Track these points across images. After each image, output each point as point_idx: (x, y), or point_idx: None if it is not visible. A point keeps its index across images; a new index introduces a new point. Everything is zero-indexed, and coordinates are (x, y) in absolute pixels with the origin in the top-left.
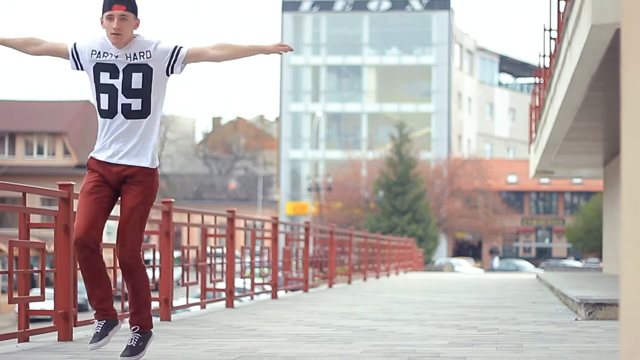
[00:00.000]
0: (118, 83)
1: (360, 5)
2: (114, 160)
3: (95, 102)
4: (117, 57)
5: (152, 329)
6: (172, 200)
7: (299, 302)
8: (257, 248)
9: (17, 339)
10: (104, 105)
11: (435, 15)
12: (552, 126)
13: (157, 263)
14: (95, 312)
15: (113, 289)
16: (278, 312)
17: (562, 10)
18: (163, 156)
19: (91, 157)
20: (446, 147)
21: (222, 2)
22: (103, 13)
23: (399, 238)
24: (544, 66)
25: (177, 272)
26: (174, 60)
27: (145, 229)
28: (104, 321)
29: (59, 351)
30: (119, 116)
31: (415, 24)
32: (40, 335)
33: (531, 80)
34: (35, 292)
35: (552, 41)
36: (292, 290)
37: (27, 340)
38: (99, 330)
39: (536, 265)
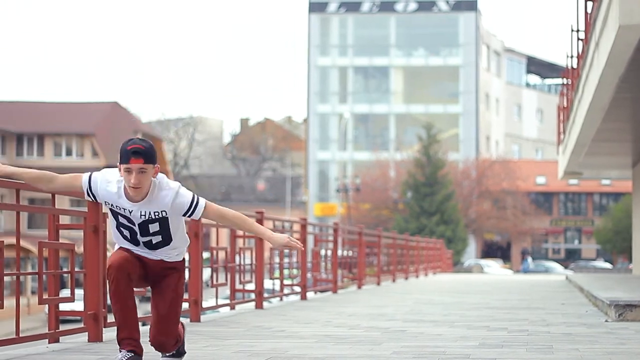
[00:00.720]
0: (136, 227)
1: (387, 7)
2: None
3: (113, 222)
4: (131, 212)
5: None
6: None
7: (328, 303)
8: (286, 249)
9: (47, 340)
10: (126, 235)
11: (462, 16)
12: (580, 127)
13: (187, 264)
14: (123, 344)
15: (142, 289)
16: (307, 313)
17: (589, 11)
18: (191, 157)
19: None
20: (474, 148)
21: (249, 3)
22: (120, 164)
23: (427, 239)
24: (572, 67)
25: (207, 273)
26: (190, 213)
27: None
28: (132, 354)
29: (89, 352)
30: (142, 247)
31: (442, 25)
32: (70, 336)
33: (559, 81)
34: (65, 293)
35: (580, 42)
36: (321, 291)
37: (57, 341)
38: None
39: (565, 267)
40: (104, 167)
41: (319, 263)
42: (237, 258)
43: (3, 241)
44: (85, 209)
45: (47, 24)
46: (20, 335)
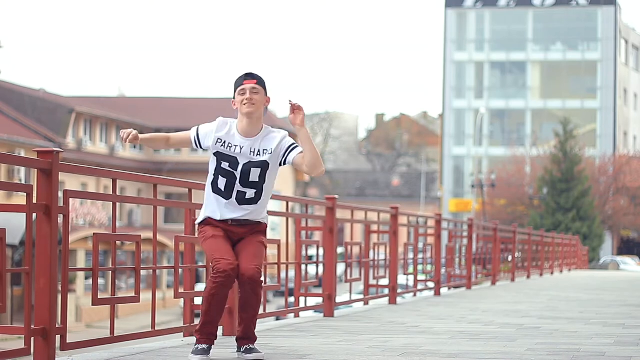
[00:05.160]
0: (237, 173)
1: (525, 1)
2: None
3: (211, 175)
4: (241, 149)
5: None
6: (336, 196)
7: (462, 299)
8: (420, 245)
9: (182, 333)
10: (221, 186)
11: (601, 10)
12: None
13: (321, 259)
14: (202, 336)
15: (277, 284)
16: (441, 309)
17: None
18: (326, 153)
19: (209, 217)
20: (611, 144)
21: None
22: (235, 91)
23: (563, 235)
24: None
25: (341, 268)
26: (286, 155)
27: (309, 225)
28: (208, 347)
29: (224, 346)
30: (233, 201)
31: (580, 19)
32: None
33: None
34: (201, 287)
35: None
36: (455, 287)
37: (192, 335)
38: (205, 348)
39: None
40: None
41: (453, 259)
42: (371, 253)
43: (140, 235)
44: None
45: (189, 22)
46: (156, 329)
